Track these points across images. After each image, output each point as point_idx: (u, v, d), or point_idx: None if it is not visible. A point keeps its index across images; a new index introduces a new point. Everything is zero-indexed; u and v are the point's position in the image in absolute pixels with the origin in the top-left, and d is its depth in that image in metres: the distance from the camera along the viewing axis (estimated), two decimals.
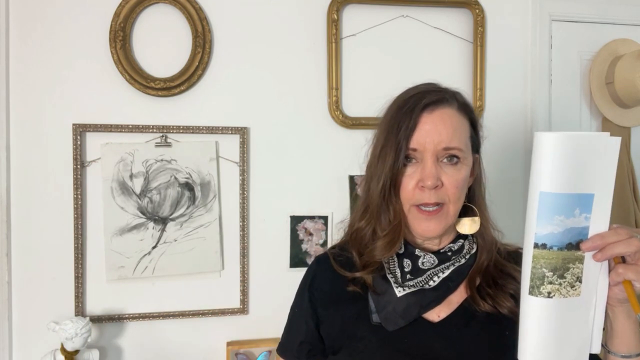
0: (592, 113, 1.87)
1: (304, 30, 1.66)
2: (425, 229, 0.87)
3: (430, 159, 0.85)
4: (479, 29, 1.73)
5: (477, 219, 0.92)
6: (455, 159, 0.87)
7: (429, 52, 1.73)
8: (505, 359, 0.86)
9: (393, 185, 0.87)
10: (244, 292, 1.62)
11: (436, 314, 0.88)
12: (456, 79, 1.74)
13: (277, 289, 1.62)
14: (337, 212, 1.66)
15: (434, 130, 0.86)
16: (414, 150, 0.86)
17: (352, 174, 1.66)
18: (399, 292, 0.86)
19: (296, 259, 1.65)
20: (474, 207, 0.93)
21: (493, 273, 0.92)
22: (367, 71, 1.69)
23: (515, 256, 0.98)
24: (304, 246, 1.66)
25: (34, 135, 1.52)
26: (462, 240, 0.93)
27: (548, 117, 1.80)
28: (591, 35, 1.85)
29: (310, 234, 1.66)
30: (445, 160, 0.87)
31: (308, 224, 1.66)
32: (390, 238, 0.88)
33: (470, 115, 0.93)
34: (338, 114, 1.65)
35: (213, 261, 1.60)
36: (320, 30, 1.67)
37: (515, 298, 0.89)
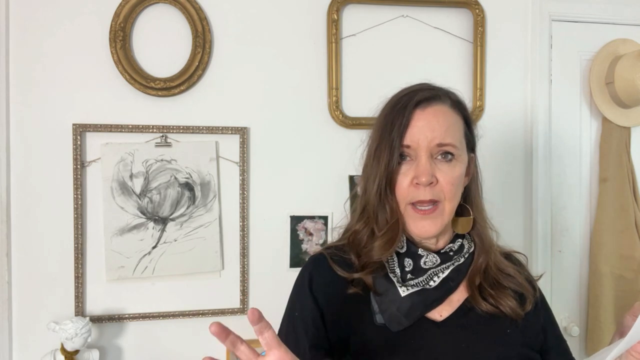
0: (592, 113, 1.87)
1: (304, 30, 1.66)
2: (422, 228, 0.87)
3: (424, 156, 0.85)
4: (479, 29, 1.73)
5: (470, 219, 0.92)
6: (449, 156, 0.87)
7: (429, 52, 1.73)
8: (509, 357, 0.86)
9: (389, 184, 0.87)
10: (244, 292, 1.62)
11: (438, 314, 0.87)
12: (456, 79, 1.74)
13: (277, 289, 1.60)
14: (337, 212, 1.65)
15: (427, 127, 0.86)
16: (408, 147, 0.86)
17: (352, 174, 1.66)
18: (403, 291, 0.85)
19: (296, 259, 1.65)
20: (468, 207, 0.93)
21: (494, 274, 0.91)
22: (367, 71, 1.69)
23: (511, 258, 1.00)
24: (304, 246, 1.66)
25: (34, 135, 1.52)
26: (460, 240, 0.93)
27: (548, 117, 1.80)
28: (591, 35, 1.84)
29: (310, 234, 1.66)
30: (439, 157, 0.87)
31: (308, 224, 1.66)
32: (389, 237, 0.87)
33: (464, 113, 0.93)
34: (338, 114, 1.65)
35: (213, 261, 1.60)
36: (320, 30, 1.66)
37: (515, 298, 0.90)
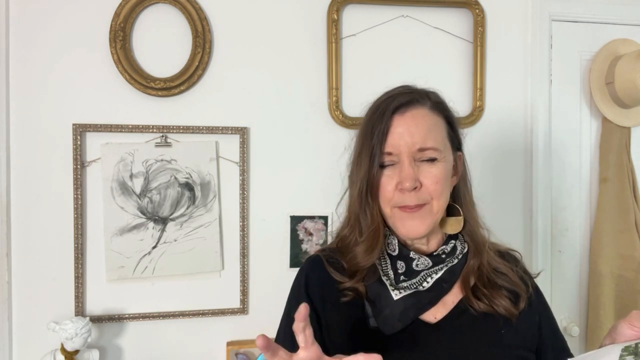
0: (592, 113, 1.87)
1: (304, 30, 1.66)
2: (410, 228, 0.86)
3: (407, 160, 0.85)
4: (479, 29, 1.73)
5: (460, 219, 0.92)
6: (432, 160, 0.87)
7: (429, 52, 1.73)
8: (503, 358, 0.86)
9: (370, 190, 0.87)
10: (244, 292, 1.62)
11: (432, 316, 0.87)
12: (456, 79, 1.75)
13: (277, 289, 1.61)
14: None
15: (406, 133, 0.85)
16: (390, 154, 0.86)
17: None
18: (396, 295, 0.85)
19: (296, 259, 1.65)
20: (458, 207, 0.92)
21: (487, 273, 0.91)
22: (367, 71, 1.69)
23: (506, 256, 0.98)
24: (304, 246, 1.66)
25: (34, 135, 1.52)
26: (453, 241, 0.92)
27: (548, 117, 1.80)
28: (591, 35, 1.85)
29: (310, 234, 1.66)
30: (423, 160, 0.86)
31: (308, 224, 1.66)
32: (369, 244, 0.87)
33: (446, 113, 0.92)
34: (338, 114, 1.65)
35: (213, 261, 1.60)
36: (320, 30, 1.67)
37: (510, 297, 0.89)
